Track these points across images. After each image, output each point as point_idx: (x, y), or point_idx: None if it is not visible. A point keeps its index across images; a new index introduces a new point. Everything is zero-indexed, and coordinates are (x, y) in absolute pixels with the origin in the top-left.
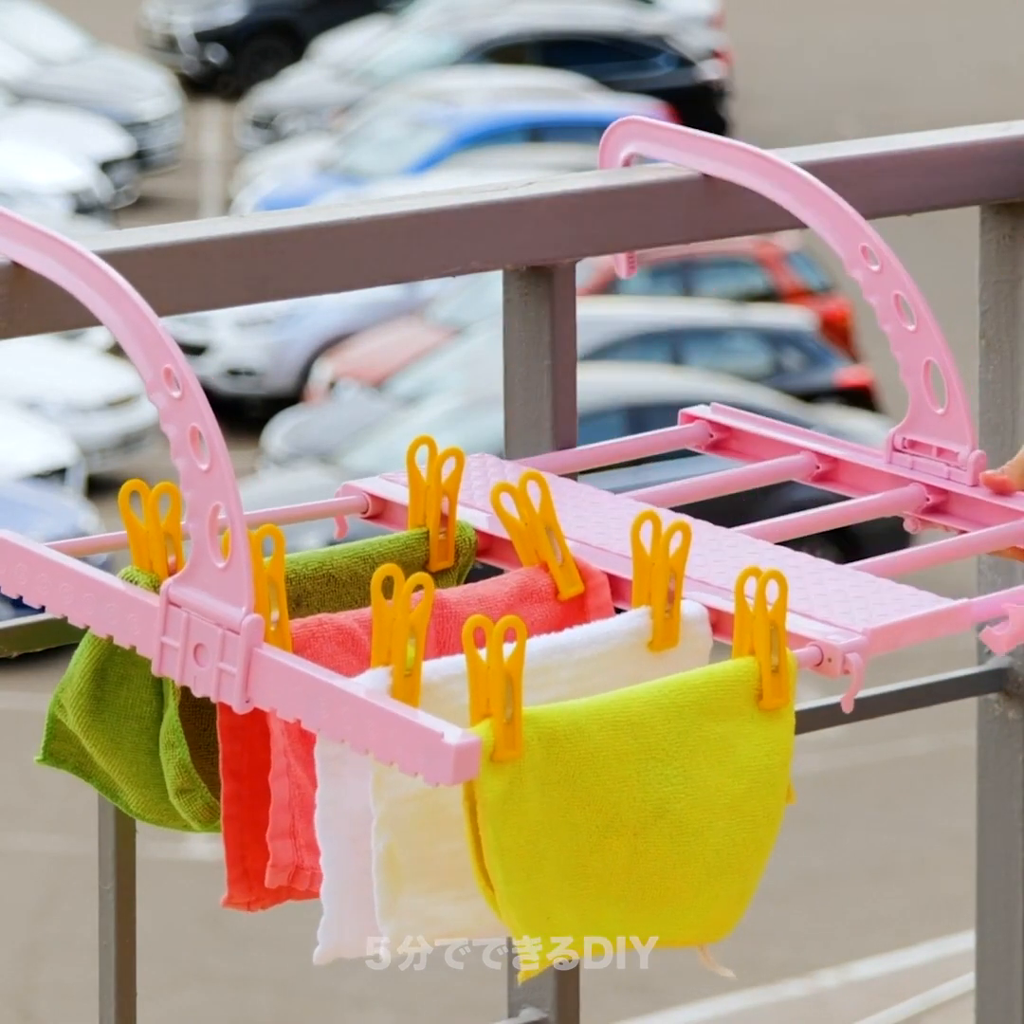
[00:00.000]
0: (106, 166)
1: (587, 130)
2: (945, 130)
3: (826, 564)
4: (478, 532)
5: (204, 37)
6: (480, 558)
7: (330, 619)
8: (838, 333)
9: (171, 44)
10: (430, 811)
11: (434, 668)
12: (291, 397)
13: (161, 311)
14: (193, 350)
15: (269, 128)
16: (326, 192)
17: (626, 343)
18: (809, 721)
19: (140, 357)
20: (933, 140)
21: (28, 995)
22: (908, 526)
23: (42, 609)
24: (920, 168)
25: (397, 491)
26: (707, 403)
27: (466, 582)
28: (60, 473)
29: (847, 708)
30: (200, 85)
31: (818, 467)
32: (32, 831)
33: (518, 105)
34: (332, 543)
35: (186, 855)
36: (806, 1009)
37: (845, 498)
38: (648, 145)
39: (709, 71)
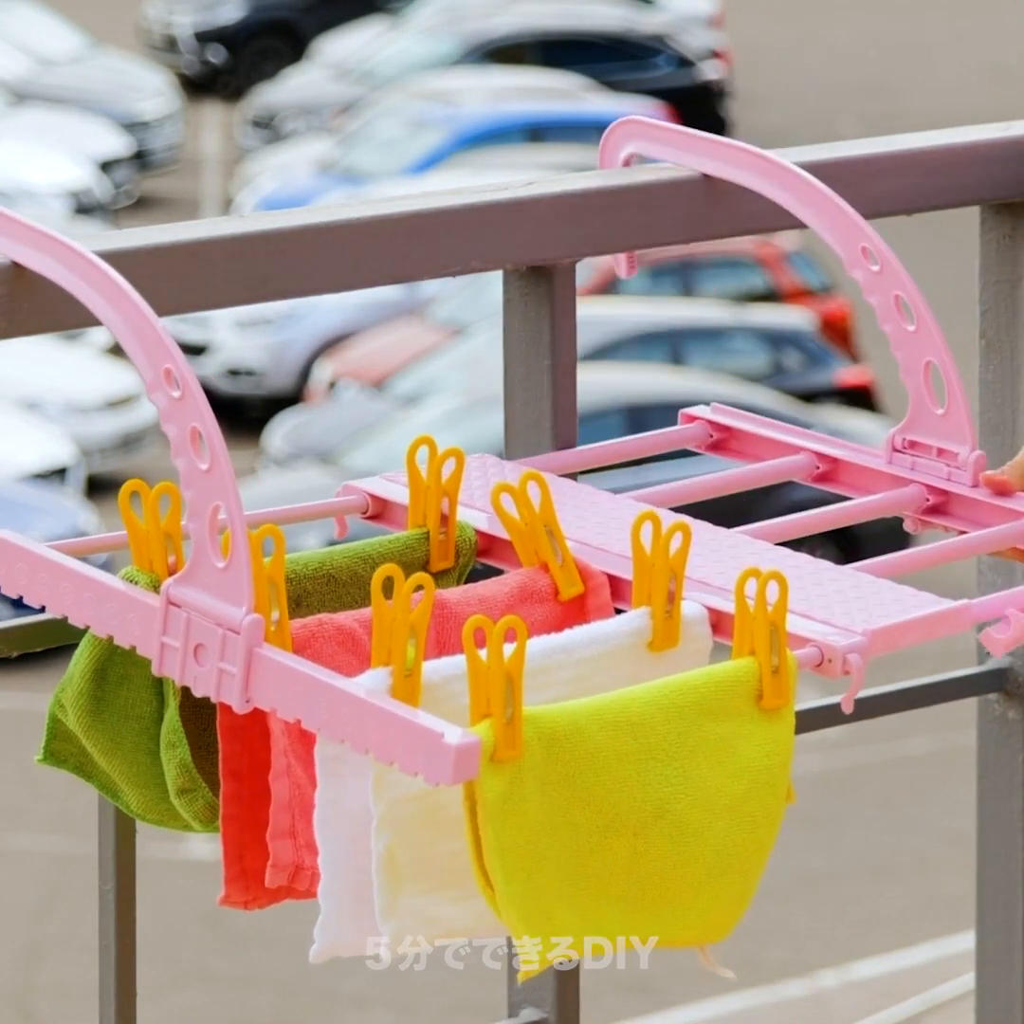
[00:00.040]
0: (106, 166)
1: (587, 130)
2: (945, 130)
3: (826, 564)
4: (478, 532)
5: (204, 37)
6: (480, 558)
7: (330, 619)
8: (838, 333)
9: (171, 44)
10: (430, 811)
11: (434, 668)
12: (291, 397)
13: (161, 311)
14: (193, 350)
15: (269, 128)
16: (326, 192)
17: (626, 343)
18: (809, 721)
19: (140, 357)
20: (933, 140)
21: (28, 995)
22: (908, 526)
23: (42, 609)
24: (920, 168)
25: (397, 491)
26: (707, 403)
27: (466, 582)
28: (60, 473)
29: (847, 708)
30: (200, 85)
31: (818, 467)
32: (32, 831)
33: (518, 105)
34: (332, 543)
35: (186, 855)
36: (806, 1009)
37: (845, 498)
38: (648, 145)
39: (709, 71)
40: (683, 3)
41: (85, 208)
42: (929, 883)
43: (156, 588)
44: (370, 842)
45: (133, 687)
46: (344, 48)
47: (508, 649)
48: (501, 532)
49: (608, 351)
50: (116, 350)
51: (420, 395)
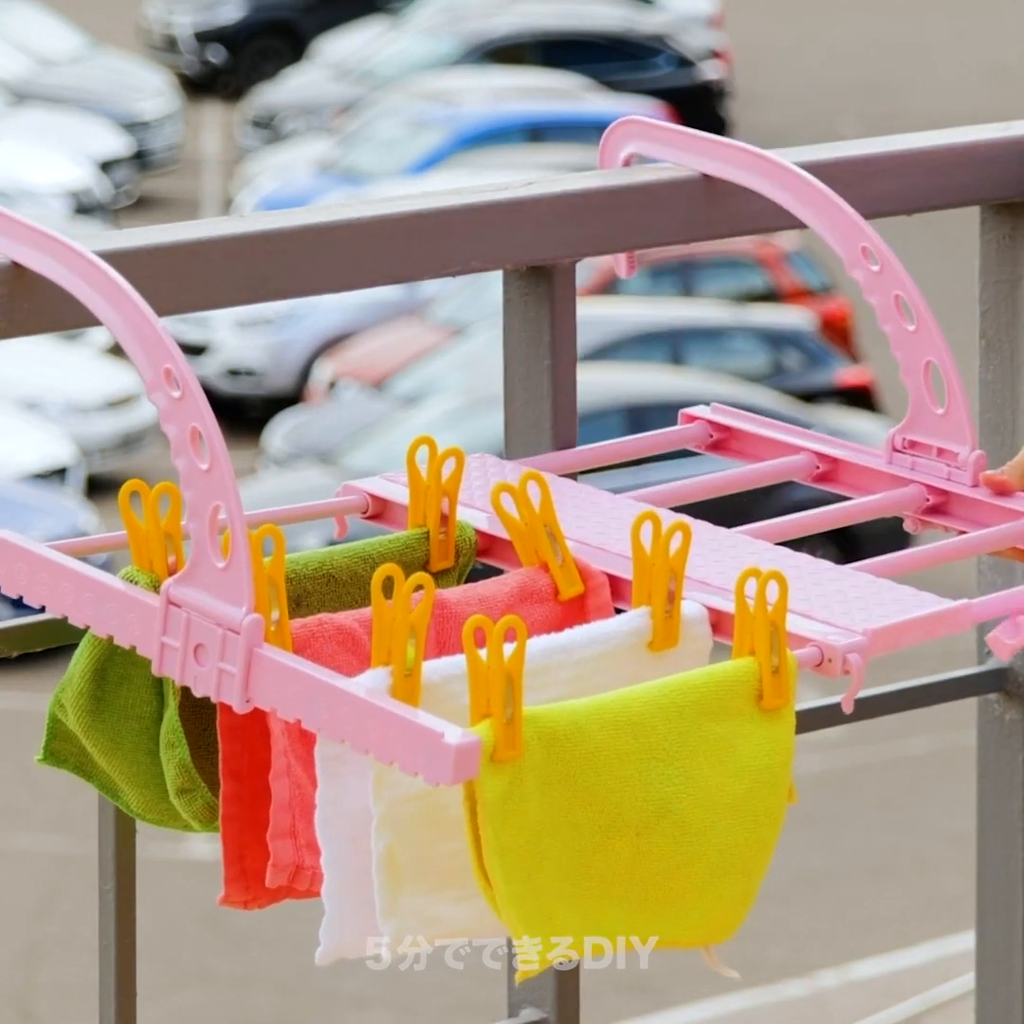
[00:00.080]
0: (106, 166)
1: (587, 130)
2: (945, 130)
3: (826, 564)
4: (478, 532)
5: (204, 37)
6: (480, 558)
7: (330, 619)
8: (838, 333)
9: (171, 44)
10: (430, 811)
11: (434, 668)
12: (291, 397)
13: (161, 311)
14: (193, 350)
15: (269, 128)
16: (326, 192)
17: (626, 343)
18: (809, 721)
19: (140, 357)
20: (933, 140)
21: (28, 995)
22: (908, 526)
23: (42, 609)
24: (920, 168)
25: (397, 491)
26: (707, 403)
27: (466, 582)
28: (60, 473)
29: (847, 708)
30: (200, 85)
31: (818, 467)
32: (32, 831)
33: (518, 105)
34: (332, 543)
35: (186, 855)
36: (806, 1009)
37: (845, 498)
38: (648, 145)
39: (709, 71)
40: (683, 3)
41: (85, 208)
42: (929, 883)
43: (156, 588)
44: (370, 842)
45: (133, 687)
46: (344, 48)
47: (508, 649)
48: (501, 532)
49: (608, 351)
50: (116, 350)
51: (420, 395)
